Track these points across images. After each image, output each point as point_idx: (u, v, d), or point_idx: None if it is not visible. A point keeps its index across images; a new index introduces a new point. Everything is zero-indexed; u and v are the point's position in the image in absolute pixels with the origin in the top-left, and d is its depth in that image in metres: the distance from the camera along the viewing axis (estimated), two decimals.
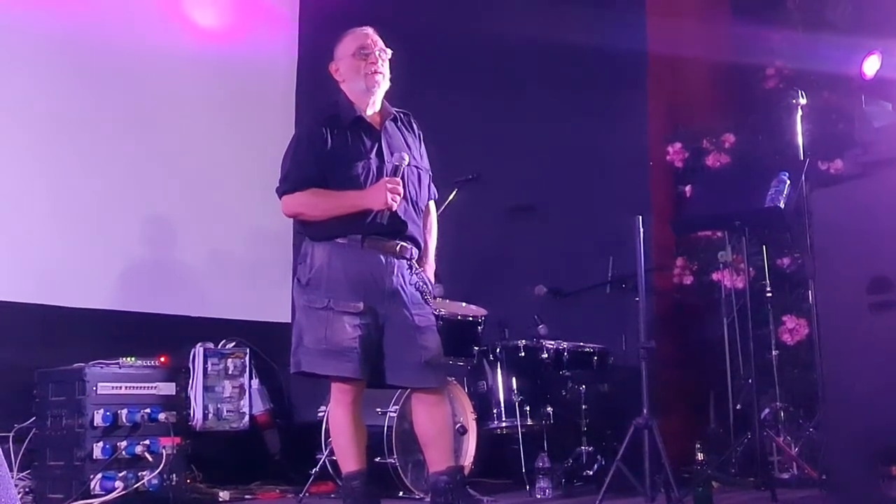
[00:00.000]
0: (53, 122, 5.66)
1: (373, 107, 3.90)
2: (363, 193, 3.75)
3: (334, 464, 4.64)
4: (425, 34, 6.19)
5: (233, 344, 5.84)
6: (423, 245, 3.95)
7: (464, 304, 5.37)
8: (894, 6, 5.49)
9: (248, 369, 5.78)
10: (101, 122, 5.86)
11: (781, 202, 4.66)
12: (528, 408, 5.17)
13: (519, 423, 5.09)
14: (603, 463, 5.01)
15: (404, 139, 3.95)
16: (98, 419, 4.70)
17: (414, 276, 3.86)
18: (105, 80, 5.92)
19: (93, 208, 5.76)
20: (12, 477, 4.85)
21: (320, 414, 5.04)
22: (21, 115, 5.52)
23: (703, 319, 5.89)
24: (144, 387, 4.90)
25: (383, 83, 3.89)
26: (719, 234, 5.76)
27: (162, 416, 4.83)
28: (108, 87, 5.93)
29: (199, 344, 5.68)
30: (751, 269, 5.33)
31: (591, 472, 5.05)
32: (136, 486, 4.69)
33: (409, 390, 4.12)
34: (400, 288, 3.78)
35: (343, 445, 3.83)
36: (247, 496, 5.33)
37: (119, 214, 5.86)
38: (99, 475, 4.65)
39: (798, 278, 5.55)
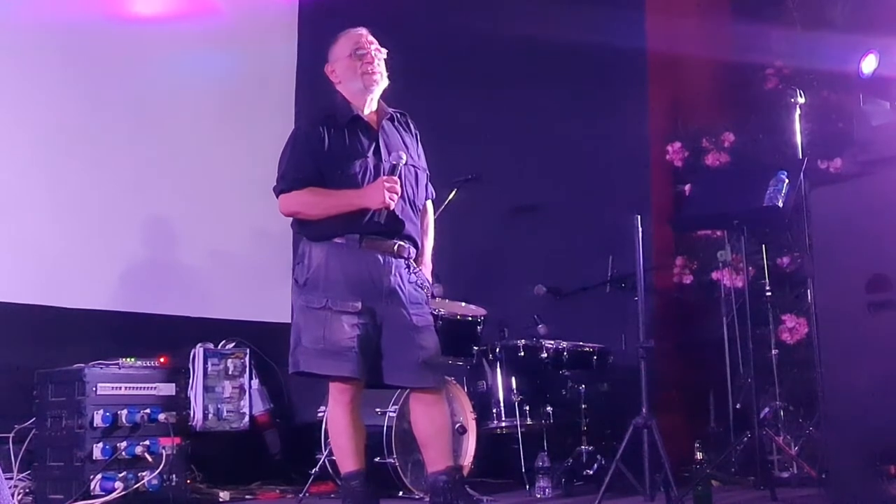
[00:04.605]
0: (53, 122, 5.66)
1: (370, 106, 3.91)
2: (361, 192, 3.76)
3: (334, 464, 4.64)
4: (424, 34, 6.19)
5: (233, 344, 5.84)
6: (420, 245, 3.95)
7: (463, 303, 5.37)
8: (893, 5, 5.49)
9: (247, 369, 5.78)
10: (102, 123, 5.86)
11: (780, 201, 4.65)
12: (527, 407, 5.17)
13: (518, 423, 5.09)
14: (602, 462, 5.00)
15: (402, 138, 3.95)
16: (98, 420, 4.70)
17: (412, 275, 3.87)
18: (106, 81, 5.92)
19: (93, 209, 5.76)
20: (12, 478, 4.86)
21: (320, 414, 5.04)
22: (21, 116, 5.52)
23: (702, 319, 5.88)
24: (144, 387, 4.90)
25: (381, 82, 3.90)
26: (719, 233, 5.76)
27: (162, 417, 4.83)
28: (109, 88, 5.93)
29: (199, 344, 5.69)
30: (750, 268, 5.33)
31: (590, 472, 5.04)
32: (136, 486, 4.69)
33: (407, 390, 4.12)
34: (398, 287, 3.79)
35: (342, 445, 3.84)
36: (247, 496, 5.33)
37: (119, 215, 5.86)
38: (99, 476, 4.66)
39: (797, 277, 5.55)
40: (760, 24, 6.16)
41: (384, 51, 3.93)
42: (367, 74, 3.86)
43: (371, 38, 3.93)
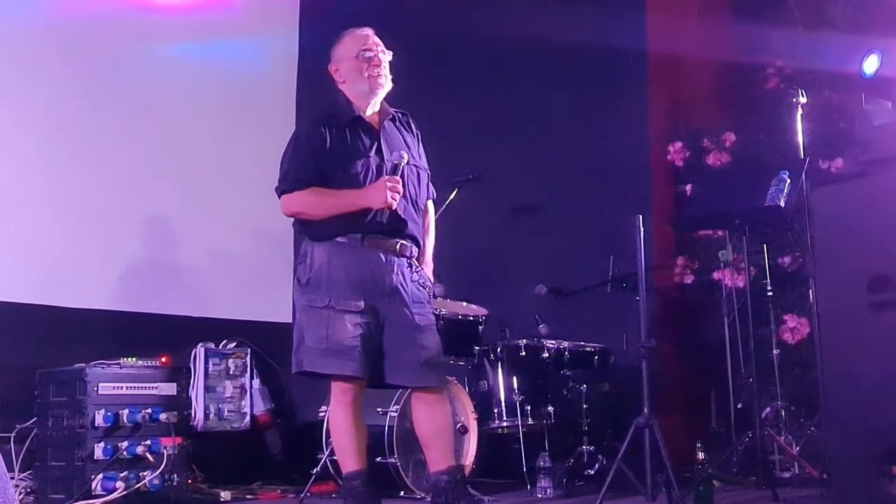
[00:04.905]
0: (54, 122, 5.66)
1: (373, 107, 3.91)
2: (363, 192, 3.76)
3: (335, 464, 4.65)
4: (425, 34, 6.19)
5: (234, 344, 5.83)
6: (421, 244, 3.95)
7: (464, 303, 5.37)
8: (893, 5, 5.49)
9: (249, 369, 5.77)
10: (103, 123, 5.86)
11: (782, 201, 4.66)
12: (528, 407, 5.17)
13: (520, 423, 5.10)
14: (604, 462, 5.01)
15: (403, 139, 3.95)
16: (99, 419, 4.70)
17: (414, 273, 3.87)
18: (107, 81, 5.92)
19: (94, 208, 5.76)
20: (13, 477, 4.86)
21: (321, 414, 5.04)
22: (22, 115, 5.52)
23: (703, 318, 5.89)
24: (145, 387, 4.90)
25: (386, 85, 3.90)
26: (720, 233, 5.76)
27: (163, 417, 4.83)
28: (109, 88, 5.93)
29: (200, 344, 5.67)
30: (751, 268, 5.33)
31: (592, 472, 5.05)
32: (137, 486, 4.69)
33: (409, 390, 4.12)
34: (400, 286, 3.79)
35: (343, 445, 3.84)
36: (248, 496, 5.33)
37: (120, 214, 5.86)
38: (100, 475, 4.65)
39: (799, 277, 5.55)
40: (761, 24, 6.15)
41: (389, 53, 3.93)
42: (373, 77, 3.86)
43: (377, 39, 3.93)
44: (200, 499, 5.14)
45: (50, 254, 5.53)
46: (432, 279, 4.02)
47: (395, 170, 3.79)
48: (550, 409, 5.24)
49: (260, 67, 6.76)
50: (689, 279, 5.99)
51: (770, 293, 5.40)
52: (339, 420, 3.82)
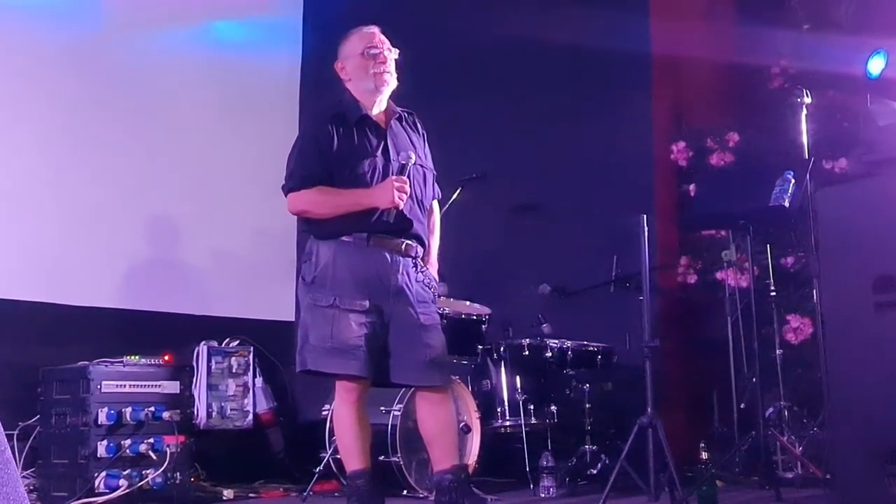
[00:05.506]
0: (57, 121, 5.66)
1: (379, 106, 3.91)
2: (370, 192, 3.76)
3: (338, 462, 4.65)
4: (430, 35, 6.18)
5: (237, 342, 5.83)
6: (426, 244, 3.95)
7: (468, 302, 5.38)
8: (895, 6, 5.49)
9: (251, 368, 5.77)
10: (105, 121, 5.86)
11: (786, 201, 4.66)
12: (532, 406, 5.17)
13: (523, 422, 5.09)
14: (607, 462, 5.00)
15: (409, 138, 3.96)
16: (102, 417, 4.70)
17: (420, 273, 3.87)
18: (108, 80, 5.92)
19: (97, 207, 5.76)
20: None
21: (324, 412, 5.04)
22: (24, 114, 5.51)
23: (707, 318, 5.89)
24: (148, 385, 4.90)
25: (391, 82, 3.90)
26: (723, 232, 5.76)
27: (166, 415, 4.83)
28: (111, 86, 5.93)
29: (203, 342, 5.67)
30: (755, 268, 5.33)
31: (594, 471, 5.04)
32: (140, 484, 4.68)
33: (413, 389, 4.12)
34: (405, 286, 3.79)
35: (347, 444, 3.84)
36: (251, 495, 5.33)
37: (123, 213, 5.86)
38: (103, 473, 4.64)
39: (802, 277, 5.55)
40: (765, 25, 6.15)
41: (395, 51, 3.93)
42: (378, 75, 3.86)
43: (383, 37, 3.93)
44: (203, 497, 5.13)
45: (53, 252, 5.53)
46: (437, 279, 4.02)
47: (402, 170, 3.79)
48: (553, 408, 5.24)
49: (263, 65, 6.76)
50: (692, 279, 5.99)
51: (773, 293, 5.39)
52: (342, 419, 3.82)
